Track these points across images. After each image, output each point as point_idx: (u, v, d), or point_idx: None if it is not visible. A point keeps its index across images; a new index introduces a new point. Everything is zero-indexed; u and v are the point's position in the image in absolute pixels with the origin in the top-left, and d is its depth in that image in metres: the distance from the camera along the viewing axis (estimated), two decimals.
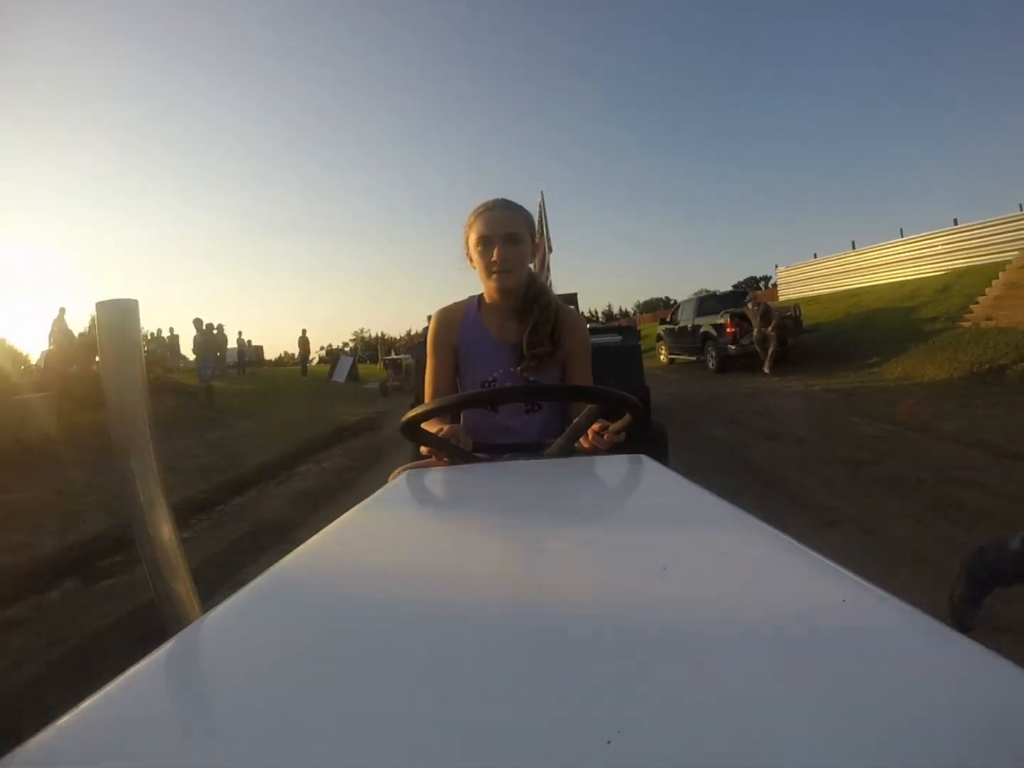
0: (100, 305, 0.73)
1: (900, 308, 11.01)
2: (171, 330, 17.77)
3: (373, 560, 0.52)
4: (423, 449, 1.04)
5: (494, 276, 1.13)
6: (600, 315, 38.95)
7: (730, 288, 20.23)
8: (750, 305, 9.42)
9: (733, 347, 9.55)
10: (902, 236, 14.57)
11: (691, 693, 0.27)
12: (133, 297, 0.75)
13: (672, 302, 25.73)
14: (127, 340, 0.75)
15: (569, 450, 1.00)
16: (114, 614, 2.25)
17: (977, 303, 9.59)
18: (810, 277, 17.07)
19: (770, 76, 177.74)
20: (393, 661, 0.32)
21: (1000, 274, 9.72)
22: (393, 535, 0.62)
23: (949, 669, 0.30)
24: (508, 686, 0.29)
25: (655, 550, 0.48)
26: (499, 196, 1.23)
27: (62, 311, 10.52)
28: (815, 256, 17.76)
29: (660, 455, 1.42)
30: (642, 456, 0.87)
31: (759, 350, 9.12)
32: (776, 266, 19.72)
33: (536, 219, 1.37)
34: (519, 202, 1.23)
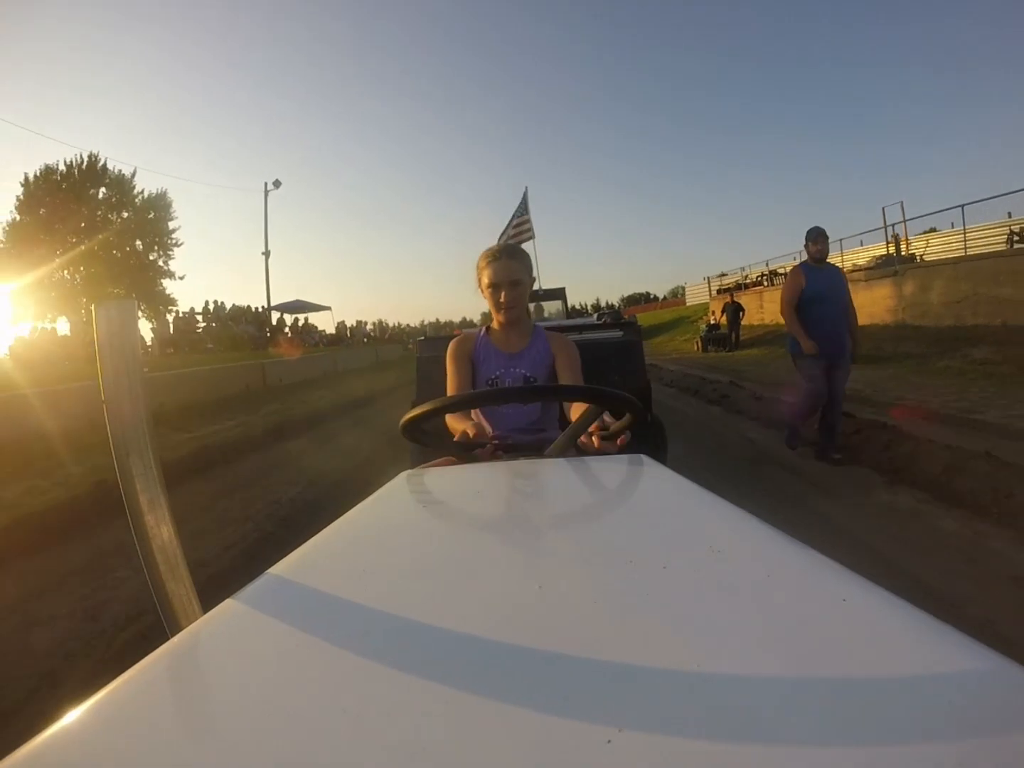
0: (99, 306, 0.74)
1: (686, 316, 25.03)
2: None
3: (373, 560, 0.52)
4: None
5: (502, 312, 1.48)
6: (590, 308, 43.14)
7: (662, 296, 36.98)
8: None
9: None
10: (742, 270, 26.96)
11: (691, 693, 0.27)
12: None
13: (653, 296, 39.25)
14: (126, 340, 0.75)
15: (568, 449, 1.03)
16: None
17: (709, 315, 22.86)
18: (699, 291, 29.77)
19: (763, 72, 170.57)
20: (393, 661, 0.32)
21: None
22: (393, 535, 0.62)
23: (949, 668, 0.29)
24: (508, 686, 0.29)
25: (655, 550, 0.47)
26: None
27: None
28: (704, 279, 30.54)
29: (659, 448, 1.63)
30: (642, 456, 0.87)
31: None
32: (685, 282, 33.14)
33: (521, 211, 4.71)
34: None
